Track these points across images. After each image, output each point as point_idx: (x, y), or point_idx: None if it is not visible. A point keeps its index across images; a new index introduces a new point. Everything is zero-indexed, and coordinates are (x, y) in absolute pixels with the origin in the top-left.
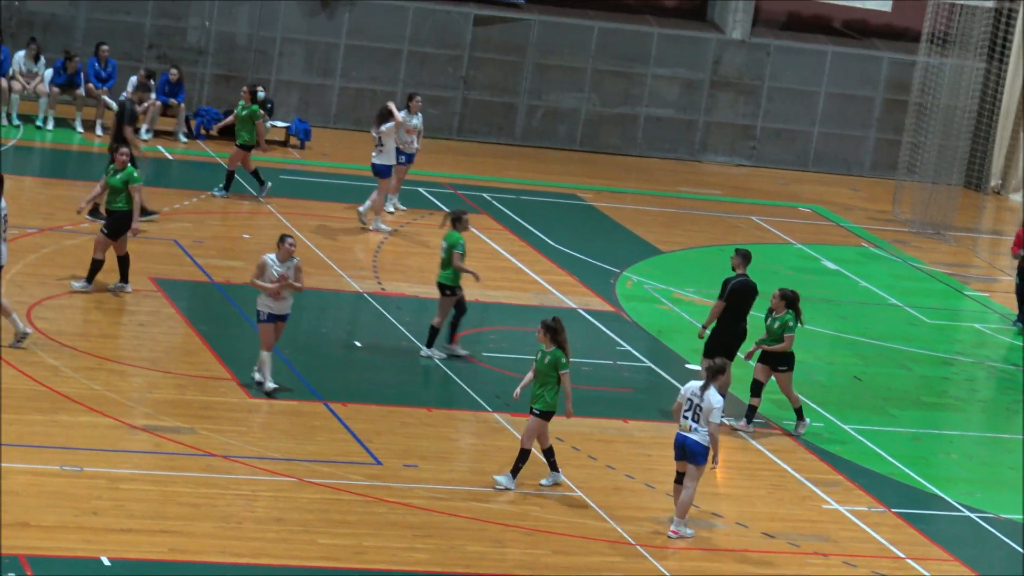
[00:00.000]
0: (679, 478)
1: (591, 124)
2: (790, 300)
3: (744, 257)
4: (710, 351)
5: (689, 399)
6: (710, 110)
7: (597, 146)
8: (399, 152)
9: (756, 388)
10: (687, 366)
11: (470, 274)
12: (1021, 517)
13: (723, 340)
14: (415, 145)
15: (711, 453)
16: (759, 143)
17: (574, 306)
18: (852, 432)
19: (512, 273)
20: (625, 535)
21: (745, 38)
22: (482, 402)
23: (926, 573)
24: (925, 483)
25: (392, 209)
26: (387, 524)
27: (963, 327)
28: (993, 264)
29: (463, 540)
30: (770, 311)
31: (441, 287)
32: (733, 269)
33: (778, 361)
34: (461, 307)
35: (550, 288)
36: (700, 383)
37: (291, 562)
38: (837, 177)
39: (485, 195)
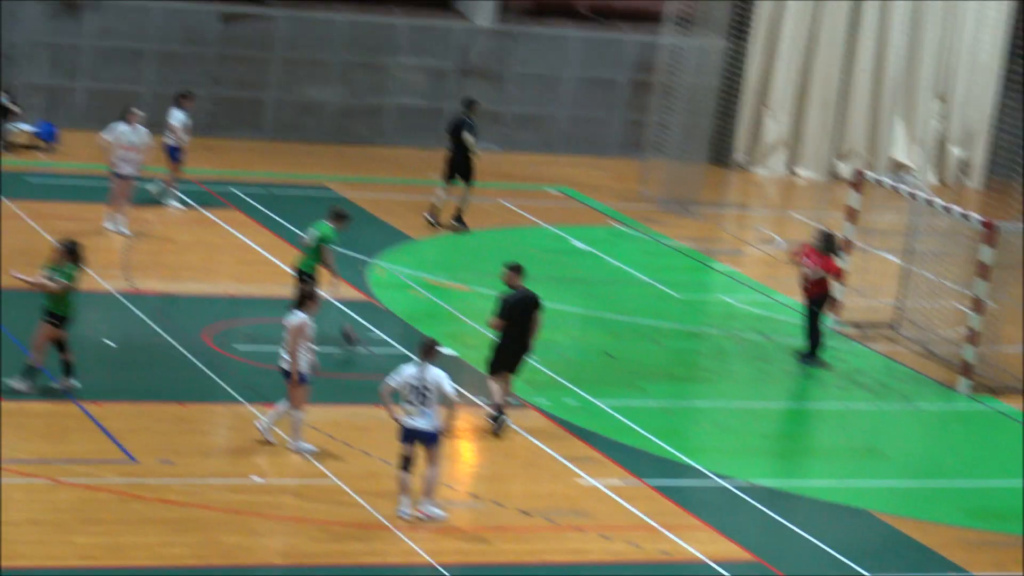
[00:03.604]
0: (405, 464)
1: (340, 116)
2: (70, 251)
3: (515, 271)
4: (494, 368)
5: (410, 384)
6: (458, 98)
7: (347, 138)
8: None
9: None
10: (440, 350)
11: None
12: (773, 484)
13: (507, 355)
14: (127, 168)
15: (448, 424)
16: (508, 128)
17: (326, 296)
18: (605, 408)
19: (264, 266)
20: (383, 520)
21: (491, 25)
22: (236, 395)
23: (681, 542)
24: (679, 454)
25: (112, 226)
26: (144, 521)
27: (712, 300)
28: (740, 238)
29: (221, 533)
30: (50, 265)
31: (300, 273)
32: (507, 285)
33: (50, 314)
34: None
35: None
36: (415, 366)
37: (48, 563)
38: (585, 159)
39: (235, 190)
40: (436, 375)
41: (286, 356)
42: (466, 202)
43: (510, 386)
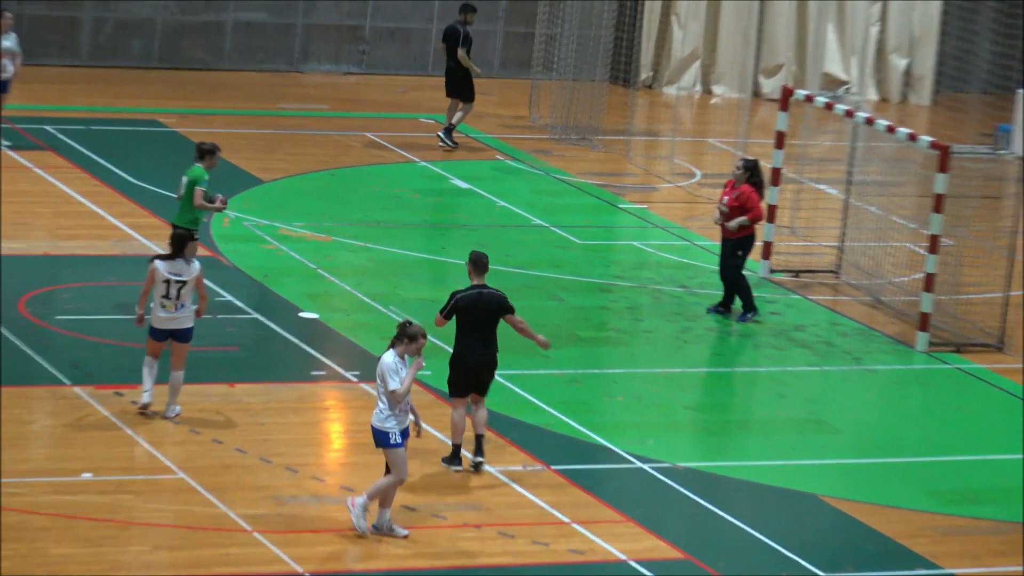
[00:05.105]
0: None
1: (170, 36)
2: None
3: (475, 264)
4: (455, 388)
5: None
6: (309, 11)
7: (179, 61)
8: None
9: None
10: (301, 315)
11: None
12: (702, 465)
13: (467, 371)
14: (10, 69)
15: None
16: (369, 46)
17: (161, 251)
18: (499, 379)
19: (87, 219)
20: (240, 521)
21: None
22: (59, 375)
23: (596, 539)
24: (589, 433)
25: None
26: None
27: (620, 246)
28: (650, 170)
29: (46, 542)
30: None
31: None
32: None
33: None
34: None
35: (133, 233)
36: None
37: None
38: None
39: (48, 128)
40: (382, 362)
41: (179, 315)
42: (460, 119)
43: (483, 412)
